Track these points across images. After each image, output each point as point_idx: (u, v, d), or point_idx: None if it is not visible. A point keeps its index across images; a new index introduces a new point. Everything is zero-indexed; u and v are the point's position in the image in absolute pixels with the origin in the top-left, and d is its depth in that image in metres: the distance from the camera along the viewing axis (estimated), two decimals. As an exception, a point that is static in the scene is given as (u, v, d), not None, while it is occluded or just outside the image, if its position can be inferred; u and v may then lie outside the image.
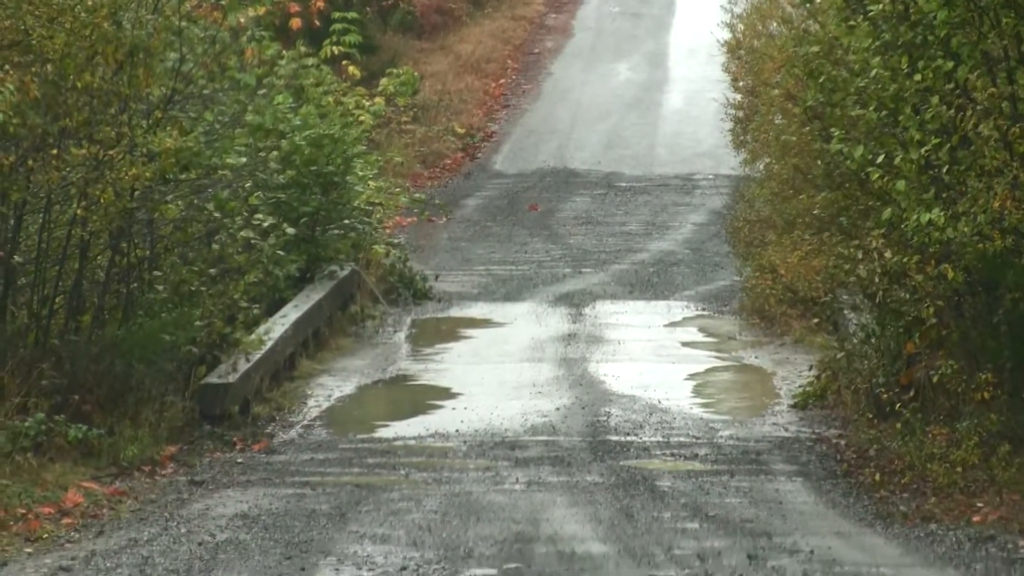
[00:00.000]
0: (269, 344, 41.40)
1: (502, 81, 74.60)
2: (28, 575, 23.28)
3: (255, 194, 44.27)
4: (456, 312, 55.15)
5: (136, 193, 34.45)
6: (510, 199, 69.11)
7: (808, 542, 25.72)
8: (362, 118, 56.24)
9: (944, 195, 29.58)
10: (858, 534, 27.08)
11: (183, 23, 38.06)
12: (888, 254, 32.15)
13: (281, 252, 45.68)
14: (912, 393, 33.33)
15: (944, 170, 29.23)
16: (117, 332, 35.08)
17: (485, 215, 67.17)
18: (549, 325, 51.44)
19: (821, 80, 33.81)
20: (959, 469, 28.77)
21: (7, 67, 30.89)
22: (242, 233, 41.07)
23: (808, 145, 38.10)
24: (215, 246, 39.10)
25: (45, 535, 26.25)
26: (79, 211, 33.20)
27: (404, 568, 23.76)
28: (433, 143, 71.47)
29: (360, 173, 54.92)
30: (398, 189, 61.58)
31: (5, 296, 32.77)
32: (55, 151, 32.65)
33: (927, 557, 23.55)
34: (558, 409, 38.42)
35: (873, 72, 30.40)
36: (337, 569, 24.22)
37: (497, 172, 69.99)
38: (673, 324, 51.69)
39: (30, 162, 32.45)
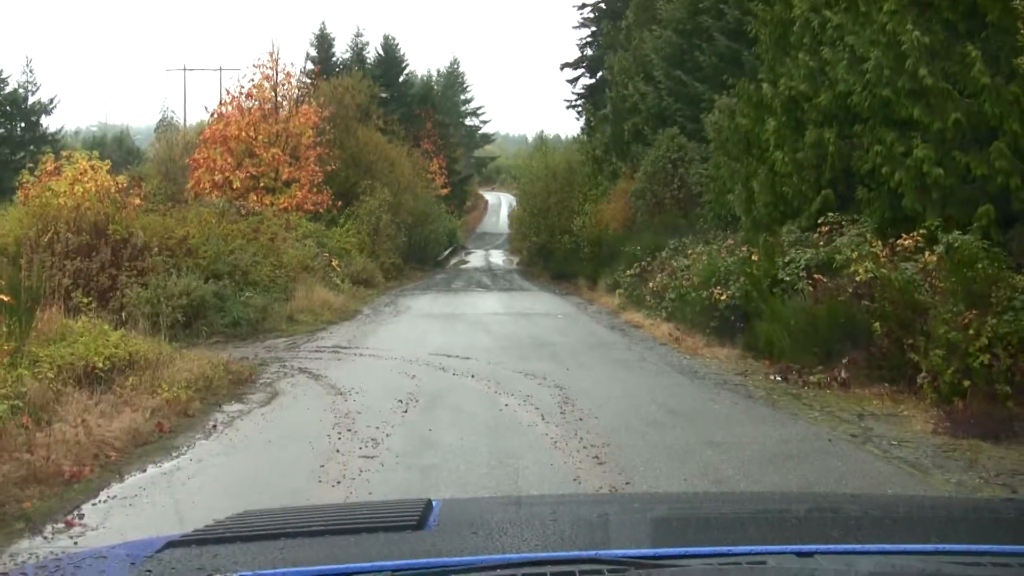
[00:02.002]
0: (444, 255, 49.59)
1: (475, 221, 76.63)
2: (384, 297, 32.76)
3: (442, 230, 48.45)
4: (471, 249, 58.97)
5: (415, 223, 40.74)
6: (480, 236, 67.97)
7: (527, 284, 35.69)
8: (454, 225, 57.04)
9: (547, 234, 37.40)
10: (542, 290, 34.68)
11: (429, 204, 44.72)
12: (537, 238, 37.80)
13: (447, 241, 51.00)
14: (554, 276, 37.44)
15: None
16: (417, 252, 41.34)
17: (475, 239, 66.47)
18: (482, 256, 54.29)
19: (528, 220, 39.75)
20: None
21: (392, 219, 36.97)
22: (439, 238, 47.29)
23: (528, 228, 39.53)
24: (432, 236, 44.37)
25: (379, 294, 32.86)
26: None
27: (461, 287, 33.74)
28: (468, 227, 68.75)
29: (457, 232, 58.20)
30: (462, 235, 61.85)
31: (374, 245, 33.60)
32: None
33: (585, 315, 25.14)
34: (484, 272, 42.67)
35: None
36: (454, 288, 33.51)
37: (477, 233, 69.88)
38: (501, 255, 53.85)
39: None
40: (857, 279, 12.72)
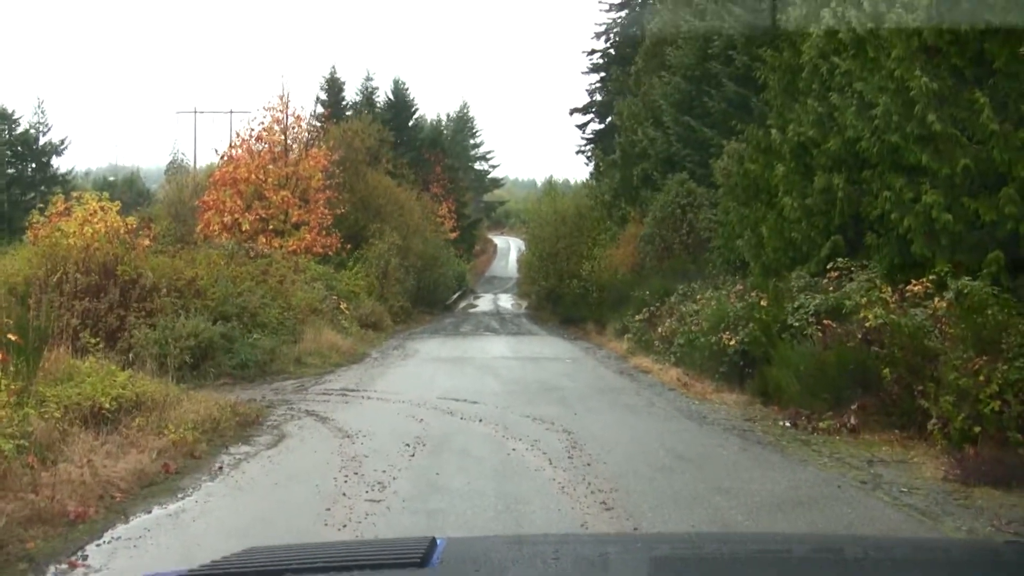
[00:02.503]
0: (453, 298, 48.93)
1: (485, 265, 75.28)
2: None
3: (451, 273, 47.86)
4: (479, 293, 58.04)
5: (424, 267, 40.12)
6: (489, 280, 67.30)
7: (535, 328, 35.13)
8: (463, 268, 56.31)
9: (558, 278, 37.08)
10: (551, 334, 34.58)
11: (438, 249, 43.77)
12: (546, 282, 37.36)
13: (456, 285, 50.03)
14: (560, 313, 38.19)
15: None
16: (425, 296, 40.69)
17: (484, 283, 65.72)
18: (491, 300, 53.01)
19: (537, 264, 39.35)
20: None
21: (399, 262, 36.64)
22: (448, 281, 46.48)
23: (537, 272, 38.88)
24: (440, 279, 43.87)
25: (388, 337, 34.87)
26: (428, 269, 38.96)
27: (470, 331, 33.84)
28: (476, 271, 68.53)
29: (466, 275, 57.47)
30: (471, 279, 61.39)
31: (383, 288, 33.55)
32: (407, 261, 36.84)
33: (594, 360, 24.23)
34: (493, 316, 41.95)
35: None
36: (463, 332, 33.14)
37: (486, 276, 69.34)
38: (510, 299, 52.64)
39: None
40: (867, 325, 12.68)
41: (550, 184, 57.85)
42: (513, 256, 73.40)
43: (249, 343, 18.15)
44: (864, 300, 13.17)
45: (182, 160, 76.87)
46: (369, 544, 2.94)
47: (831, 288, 14.82)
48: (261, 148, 34.53)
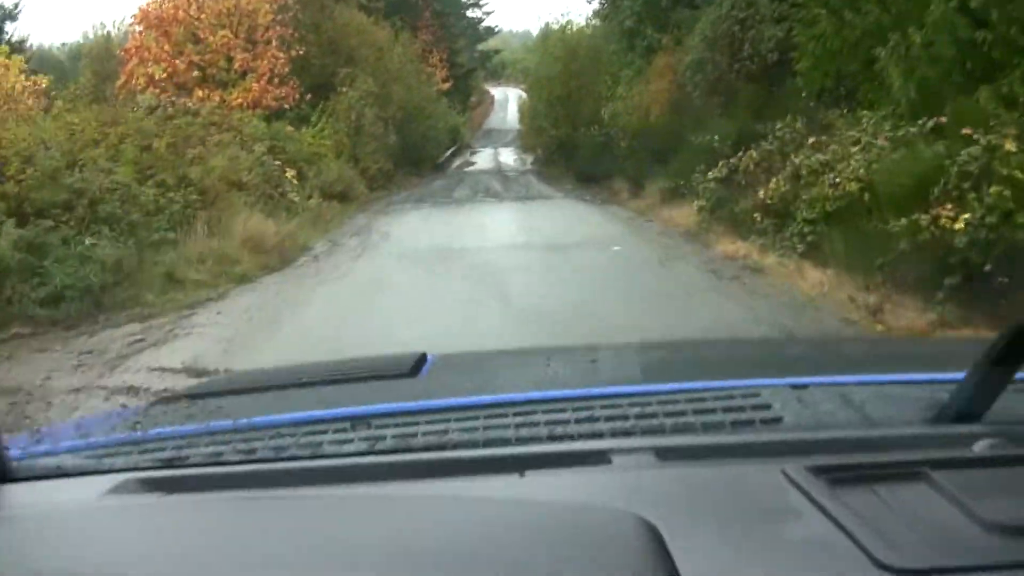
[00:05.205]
0: (445, 156, 40.42)
1: (481, 117, 67.22)
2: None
3: (443, 127, 40.14)
4: (476, 148, 50.29)
5: (408, 118, 31.39)
6: (487, 133, 58.53)
7: (548, 190, 27.13)
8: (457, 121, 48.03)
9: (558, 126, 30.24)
10: (569, 197, 27.82)
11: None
12: (556, 132, 29.83)
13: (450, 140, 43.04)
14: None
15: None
16: (411, 154, 32.32)
17: (481, 136, 57.34)
18: (490, 156, 45.89)
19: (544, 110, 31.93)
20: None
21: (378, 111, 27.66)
22: (439, 136, 38.76)
23: (545, 120, 31.54)
24: (430, 134, 35.46)
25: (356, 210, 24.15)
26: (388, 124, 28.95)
27: (465, 197, 25.61)
28: (473, 124, 59.37)
29: (461, 128, 49.98)
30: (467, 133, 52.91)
31: (356, 147, 26.08)
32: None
33: (652, 244, 13.41)
34: (494, 176, 33.90)
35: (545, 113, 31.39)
36: (456, 198, 25.23)
37: (484, 130, 61.22)
38: (512, 154, 44.45)
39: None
40: None
41: (547, 28, 48.97)
42: (513, 107, 64.74)
43: (76, 254, 9.84)
44: None
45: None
46: (357, 360, 2.35)
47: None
48: (193, -23, 26.56)
